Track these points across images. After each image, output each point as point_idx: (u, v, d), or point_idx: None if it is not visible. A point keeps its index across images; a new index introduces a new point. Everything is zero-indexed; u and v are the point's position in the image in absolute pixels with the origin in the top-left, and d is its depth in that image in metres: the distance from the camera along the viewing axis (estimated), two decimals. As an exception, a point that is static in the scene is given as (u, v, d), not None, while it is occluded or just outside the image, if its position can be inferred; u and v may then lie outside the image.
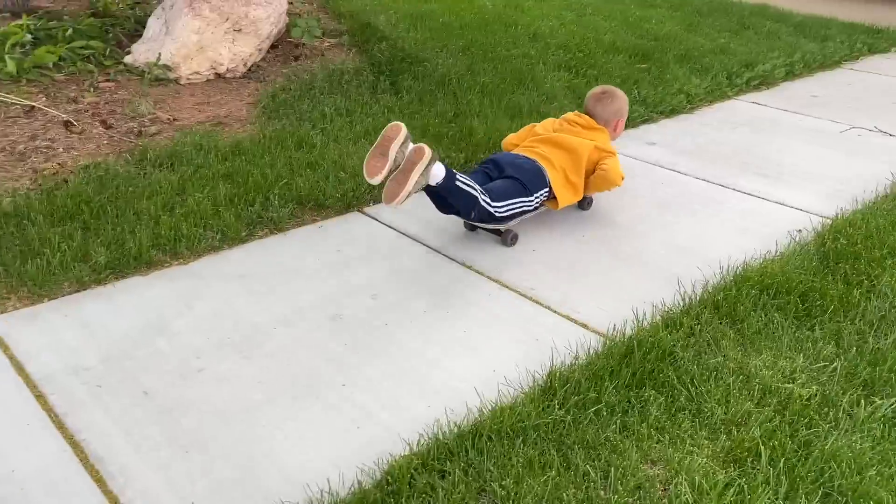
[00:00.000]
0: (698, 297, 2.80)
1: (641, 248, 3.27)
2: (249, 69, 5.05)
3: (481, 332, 2.62)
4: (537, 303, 2.83)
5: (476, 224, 3.27)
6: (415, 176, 2.78)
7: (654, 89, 5.17)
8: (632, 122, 4.77)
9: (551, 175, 3.28)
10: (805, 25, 7.05)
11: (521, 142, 3.56)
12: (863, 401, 2.25)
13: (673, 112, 5.04)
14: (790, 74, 5.91)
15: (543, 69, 5.34)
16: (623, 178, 3.38)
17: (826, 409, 2.22)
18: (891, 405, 2.24)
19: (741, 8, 7.61)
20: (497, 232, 3.28)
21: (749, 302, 2.72)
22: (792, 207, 3.69)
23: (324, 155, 3.87)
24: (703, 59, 5.82)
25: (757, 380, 2.33)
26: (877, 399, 2.27)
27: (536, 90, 4.97)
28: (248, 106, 4.55)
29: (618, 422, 2.14)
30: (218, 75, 4.91)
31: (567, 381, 2.28)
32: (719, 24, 6.89)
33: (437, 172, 2.88)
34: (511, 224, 3.24)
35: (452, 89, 4.87)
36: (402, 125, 2.84)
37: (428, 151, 2.82)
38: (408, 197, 2.79)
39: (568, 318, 2.74)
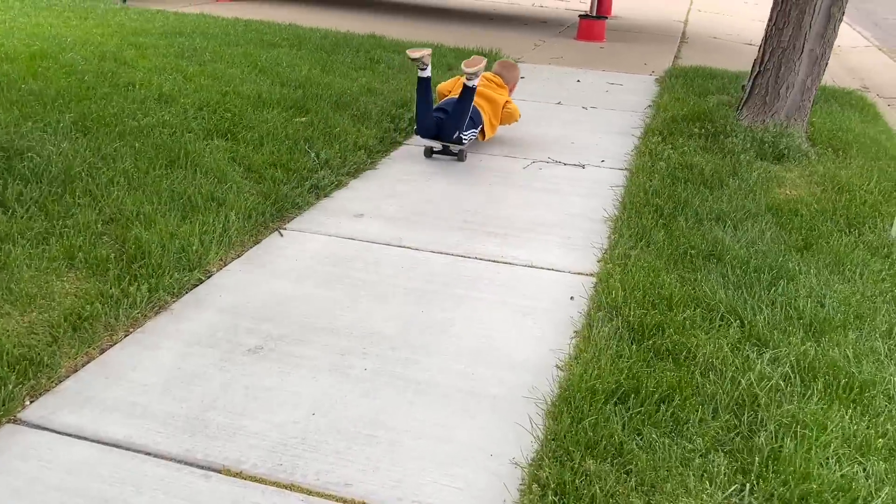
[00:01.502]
0: (550, 434, 2.25)
1: (432, 369, 2.62)
2: None
3: None
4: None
5: (445, 144, 4.68)
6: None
7: (331, 147, 4.51)
8: (323, 190, 4.07)
9: (484, 118, 4.78)
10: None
11: (452, 87, 4.92)
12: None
13: (358, 171, 4.46)
14: (441, 109, 5.77)
15: (193, 139, 4.29)
16: (520, 114, 5.04)
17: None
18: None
19: (358, 40, 7.35)
20: (452, 153, 4.72)
21: (616, 423, 2.25)
22: (547, 269, 3.38)
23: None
24: (359, 104, 5.33)
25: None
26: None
27: (197, 169, 3.93)
28: None
29: None
30: None
31: None
32: (349, 60, 6.49)
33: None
34: (464, 147, 4.68)
35: (86, 187, 3.57)
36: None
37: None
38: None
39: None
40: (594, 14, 9.27)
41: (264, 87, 5.34)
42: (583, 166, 4.75)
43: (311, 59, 6.28)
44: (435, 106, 4.72)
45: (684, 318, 2.82)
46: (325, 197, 4.07)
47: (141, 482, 2.04)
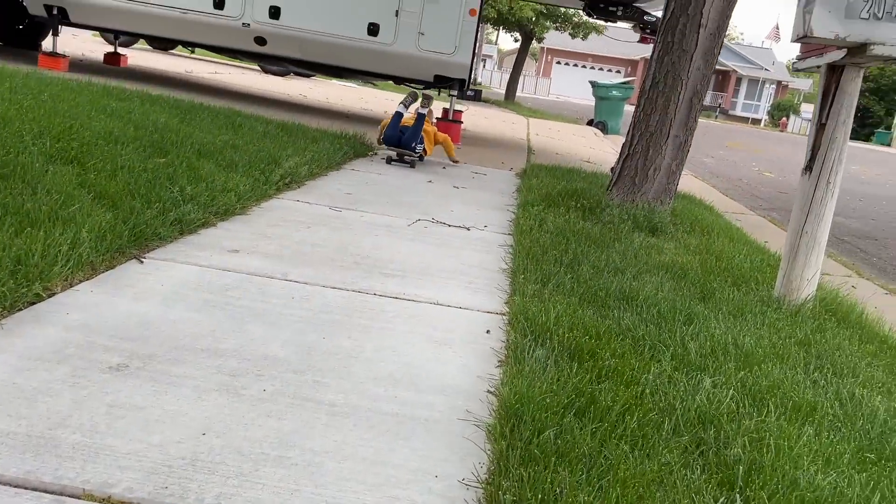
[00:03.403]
0: (507, 448, 1.88)
1: (347, 392, 2.18)
2: None
3: None
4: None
5: (403, 153, 6.58)
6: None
7: (196, 185, 4.01)
8: (188, 227, 3.56)
9: (426, 140, 6.74)
10: (289, 128, 6.78)
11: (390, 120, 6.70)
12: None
13: (227, 213, 3.97)
14: (311, 173, 5.45)
15: (31, 160, 3.63)
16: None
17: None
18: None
19: (216, 108, 6.93)
20: (405, 161, 6.62)
21: (582, 434, 1.93)
22: (455, 307, 3.07)
23: None
24: (224, 155, 4.89)
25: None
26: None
27: (37, 186, 3.29)
28: None
29: None
30: None
31: None
32: (209, 120, 6.04)
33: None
34: (415, 157, 6.66)
35: None
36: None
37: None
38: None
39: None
40: (450, 118, 9.53)
41: (116, 126, 4.76)
42: (468, 228, 4.57)
43: (167, 112, 5.77)
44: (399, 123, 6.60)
45: (615, 347, 2.60)
46: (191, 233, 3.55)
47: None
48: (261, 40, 9.25)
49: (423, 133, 6.69)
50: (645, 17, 10.20)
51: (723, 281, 3.82)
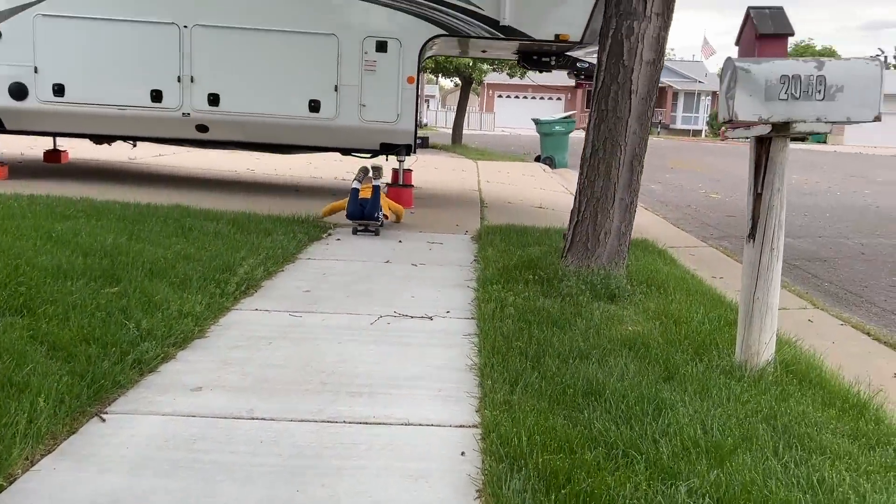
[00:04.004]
0: None
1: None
2: None
3: None
4: None
5: (365, 223, 7.27)
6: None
7: (152, 317, 3.97)
8: (148, 365, 3.51)
9: (382, 206, 7.39)
10: (240, 222, 6.76)
11: (343, 203, 7.48)
12: None
13: (185, 340, 3.93)
14: (266, 273, 5.42)
15: (-22, 317, 3.55)
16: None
17: None
18: None
19: (164, 210, 6.88)
20: (370, 230, 7.30)
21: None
22: (427, 425, 3.07)
23: None
24: (176, 271, 4.85)
25: None
26: None
27: (-14, 351, 3.22)
28: None
29: None
30: None
31: None
32: (158, 229, 5.99)
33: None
34: (378, 224, 7.30)
35: None
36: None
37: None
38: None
39: None
40: (401, 183, 9.60)
41: (63, 258, 4.69)
42: (430, 318, 4.59)
43: (114, 229, 5.70)
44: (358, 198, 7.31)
45: (589, 461, 2.62)
46: (151, 372, 3.50)
47: None
48: (202, 128, 9.24)
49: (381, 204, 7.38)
50: (577, 64, 10.47)
51: (684, 352, 3.89)
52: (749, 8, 5.54)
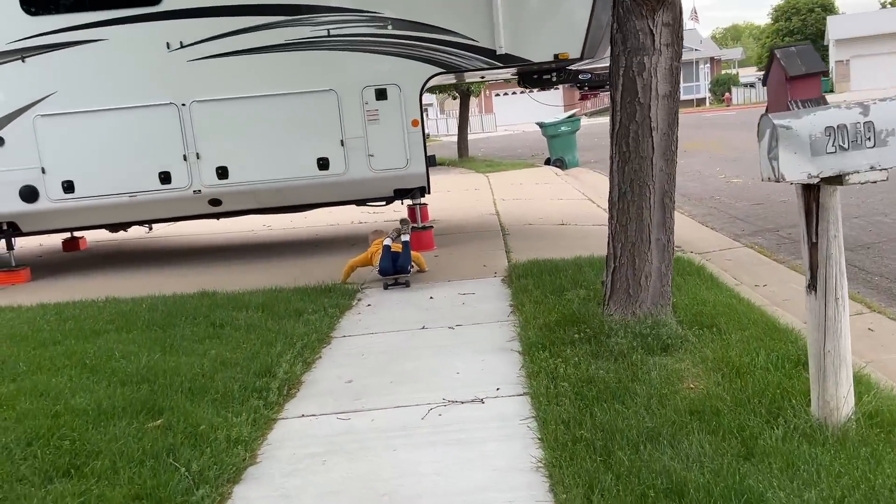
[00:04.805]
0: None
1: None
2: None
3: None
4: None
5: (396, 277, 7.42)
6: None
7: (201, 452, 3.84)
8: (206, 515, 3.37)
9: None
10: (269, 305, 6.64)
11: (372, 253, 7.77)
12: None
13: (238, 472, 3.79)
14: (305, 365, 5.29)
15: (28, 490, 3.44)
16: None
17: None
18: None
19: (191, 304, 6.78)
20: (404, 283, 7.46)
21: None
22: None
23: None
24: (216, 384, 4.73)
25: None
26: None
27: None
28: None
29: None
30: None
31: None
32: (190, 332, 5.88)
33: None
34: (408, 276, 7.52)
35: None
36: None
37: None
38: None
39: None
40: (420, 225, 9.46)
41: (101, 391, 4.58)
42: (482, 400, 4.42)
43: (146, 342, 5.60)
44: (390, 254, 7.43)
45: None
46: (206, 523, 3.37)
47: None
48: (215, 202, 9.17)
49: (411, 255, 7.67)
50: (580, 77, 10.27)
51: (757, 414, 3.69)
52: (773, 49, 5.35)
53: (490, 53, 8.82)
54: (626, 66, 4.97)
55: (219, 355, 5.27)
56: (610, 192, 5.25)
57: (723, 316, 5.20)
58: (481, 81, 19.55)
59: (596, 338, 4.90)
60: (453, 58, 8.85)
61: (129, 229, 10.42)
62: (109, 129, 8.80)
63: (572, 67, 10.03)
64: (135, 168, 8.86)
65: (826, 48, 54.09)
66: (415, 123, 8.98)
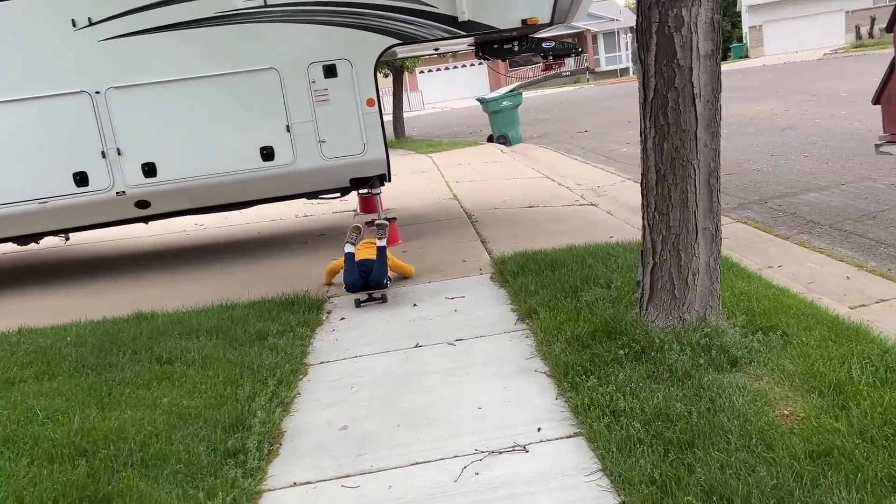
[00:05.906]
0: None
1: None
2: None
3: None
4: None
5: (370, 293, 6.05)
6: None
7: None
8: None
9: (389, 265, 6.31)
10: (225, 329, 5.52)
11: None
12: None
13: (227, 586, 2.78)
14: (284, 408, 4.26)
15: None
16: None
17: None
18: None
19: (127, 332, 5.59)
20: (376, 297, 6.07)
21: None
22: None
23: None
24: (176, 450, 3.65)
25: None
26: None
27: None
28: None
29: None
30: None
31: None
32: (131, 374, 4.68)
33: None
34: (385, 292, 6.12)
35: None
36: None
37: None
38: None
39: None
40: (382, 219, 8.43)
41: (21, 475, 3.44)
42: (524, 448, 3.51)
43: (77, 392, 4.42)
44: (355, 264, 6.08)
45: None
46: None
47: None
48: (143, 203, 7.89)
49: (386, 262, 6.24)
50: (543, 45, 9.38)
51: (870, 451, 2.91)
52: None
53: (451, 21, 7.82)
54: (660, 20, 4.08)
55: (173, 404, 4.18)
56: (643, 176, 4.38)
57: (778, 316, 4.44)
58: (434, 54, 18.46)
59: (645, 353, 4.04)
60: (410, 27, 7.80)
61: (41, 241, 8.99)
62: (11, 124, 7.41)
63: (535, 35, 9.14)
64: (43, 170, 7.50)
65: (739, 14, 54.97)
66: (370, 103, 7.91)
